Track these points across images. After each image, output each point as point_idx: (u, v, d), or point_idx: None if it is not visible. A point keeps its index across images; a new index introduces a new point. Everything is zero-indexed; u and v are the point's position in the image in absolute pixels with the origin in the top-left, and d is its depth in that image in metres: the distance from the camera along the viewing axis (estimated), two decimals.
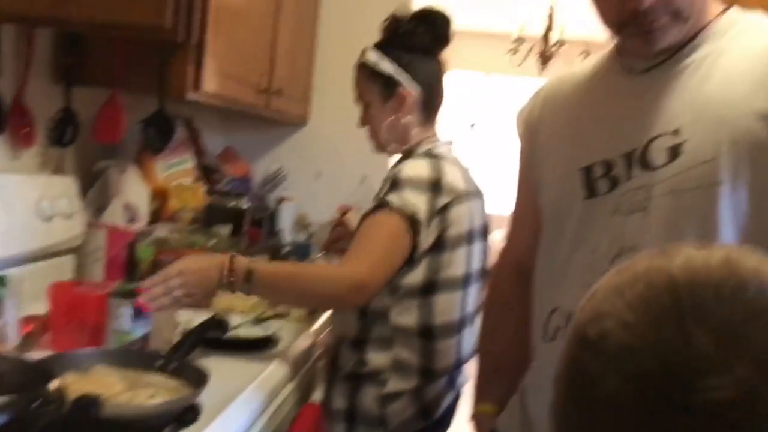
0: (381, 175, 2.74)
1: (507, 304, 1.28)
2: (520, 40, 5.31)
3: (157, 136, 1.86)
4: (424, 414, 1.52)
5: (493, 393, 1.30)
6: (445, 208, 1.47)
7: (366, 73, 1.59)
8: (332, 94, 2.76)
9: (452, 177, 1.51)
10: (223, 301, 1.79)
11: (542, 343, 1.11)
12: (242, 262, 1.37)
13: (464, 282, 1.53)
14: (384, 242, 1.41)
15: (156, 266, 1.80)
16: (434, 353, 1.50)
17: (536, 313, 1.14)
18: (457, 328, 1.54)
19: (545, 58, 5.28)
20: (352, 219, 2.23)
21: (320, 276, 1.45)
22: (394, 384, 1.49)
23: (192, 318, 1.60)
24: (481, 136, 6.85)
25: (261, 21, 2.13)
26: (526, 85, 6.55)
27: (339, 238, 1.92)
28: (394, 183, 1.46)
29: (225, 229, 2.01)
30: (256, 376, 1.38)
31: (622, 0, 0.95)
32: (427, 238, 1.45)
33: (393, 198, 1.43)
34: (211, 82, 1.76)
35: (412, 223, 1.42)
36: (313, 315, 1.89)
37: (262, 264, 1.44)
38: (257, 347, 1.58)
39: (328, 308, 1.49)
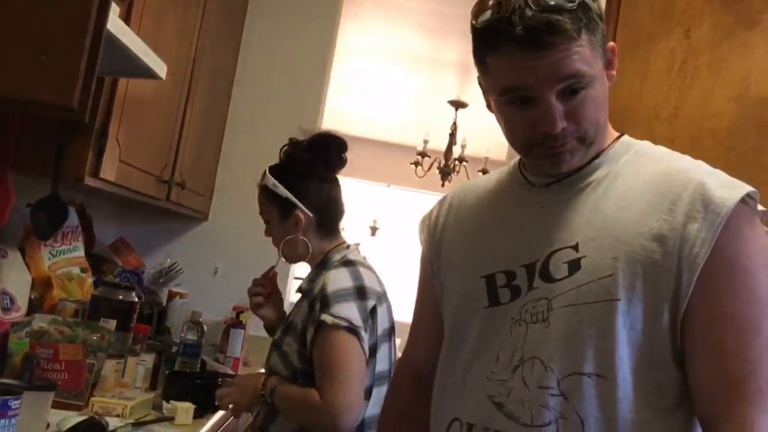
0: (282, 275, 2.72)
1: (405, 414, 1.25)
2: (423, 154, 5.50)
3: (47, 221, 1.77)
4: None
5: None
6: (374, 310, 1.58)
7: (265, 193, 1.71)
8: (235, 192, 2.73)
9: (370, 280, 1.62)
10: (102, 401, 1.67)
11: None
12: (271, 381, 1.58)
13: (388, 376, 1.62)
14: (345, 361, 1.51)
15: (29, 360, 1.66)
16: None
17: (435, 425, 1.11)
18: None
19: (446, 172, 5.48)
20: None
21: (315, 409, 1.51)
22: None
23: (65, 418, 1.48)
24: (382, 244, 6.92)
25: (168, 112, 2.11)
26: (427, 198, 6.75)
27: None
28: (324, 301, 1.54)
29: (110, 324, 1.89)
30: None
31: (533, 123, 0.99)
32: (368, 341, 1.55)
33: (327, 317, 1.52)
34: (110, 169, 1.71)
35: (354, 332, 1.52)
36: (200, 420, 1.78)
37: (283, 386, 1.57)
38: None
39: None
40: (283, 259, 1.74)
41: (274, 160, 2.75)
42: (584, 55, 0.96)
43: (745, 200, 0.95)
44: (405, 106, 5.57)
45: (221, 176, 2.74)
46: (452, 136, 5.28)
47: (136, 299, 2.04)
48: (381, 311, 1.61)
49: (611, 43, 1.05)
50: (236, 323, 2.53)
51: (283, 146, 1.73)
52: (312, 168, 1.68)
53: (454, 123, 5.23)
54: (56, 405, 1.54)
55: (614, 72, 1.05)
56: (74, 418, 1.47)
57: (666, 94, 2.13)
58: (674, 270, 0.94)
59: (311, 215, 1.67)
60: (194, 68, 2.23)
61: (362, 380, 1.53)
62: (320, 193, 1.69)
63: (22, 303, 1.82)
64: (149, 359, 1.99)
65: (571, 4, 0.94)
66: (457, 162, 5.47)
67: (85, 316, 1.94)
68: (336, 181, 1.74)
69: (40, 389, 1.43)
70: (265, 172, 1.71)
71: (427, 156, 5.52)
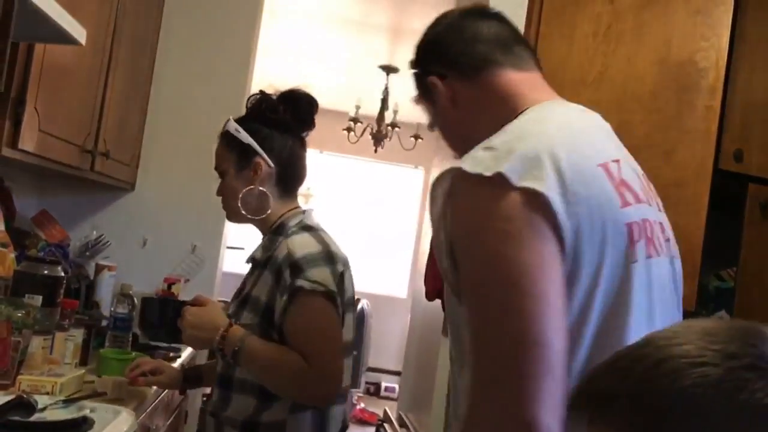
0: (211, 244, 2.68)
1: None
2: (355, 120, 5.48)
3: None
4: None
5: None
6: (342, 275, 1.53)
7: (225, 141, 1.63)
8: (162, 161, 2.67)
9: (335, 245, 1.57)
10: (30, 379, 1.63)
11: None
12: (235, 335, 1.45)
13: (351, 348, 1.58)
14: (328, 326, 1.47)
15: None
16: (327, 420, 1.53)
17: None
18: (345, 394, 1.57)
19: (379, 138, 5.47)
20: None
21: (294, 374, 1.44)
22: None
23: None
24: (316, 211, 6.88)
25: (89, 79, 2.03)
26: (360, 164, 6.74)
27: None
28: (294, 266, 1.47)
29: (36, 300, 1.83)
30: None
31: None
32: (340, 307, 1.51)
33: (304, 283, 1.45)
34: (29, 139, 1.64)
35: (331, 297, 1.47)
36: (133, 394, 1.76)
37: (252, 342, 1.45)
38: (68, 430, 1.43)
39: (300, 401, 1.49)
40: (237, 218, 1.64)
41: (201, 127, 2.70)
42: None
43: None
44: (336, 71, 5.52)
45: (147, 145, 2.67)
46: (384, 101, 5.27)
47: (62, 273, 1.98)
48: (347, 277, 1.56)
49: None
50: (168, 295, 2.49)
51: (250, 96, 1.65)
52: (279, 116, 1.60)
53: (386, 88, 5.22)
54: None
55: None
56: (1, 397, 1.42)
57: (591, 58, 2.18)
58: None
59: (272, 166, 1.59)
60: (115, 32, 2.15)
61: (343, 348, 1.50)
62: (284, 145, 1.61)
63: None
64: (78, 334, 1.94)
65: None
66: (389, 128, 5.47)
67: (7, 292, 1.87)
68: (302, 140, 1.66)
69: None
70: (228, 119, 1.63)
71: (360, 122, 5.50)
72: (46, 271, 1.92)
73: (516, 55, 1.09)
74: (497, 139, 0.95)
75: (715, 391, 0.55)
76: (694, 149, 1.93)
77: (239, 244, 3.14)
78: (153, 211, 2.65)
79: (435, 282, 2.04)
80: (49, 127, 1.73)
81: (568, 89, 2.38)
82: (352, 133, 5.55)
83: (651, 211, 1.01)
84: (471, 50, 1.08)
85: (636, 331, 0.90)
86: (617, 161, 0.99)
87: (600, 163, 0.96)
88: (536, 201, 0.87)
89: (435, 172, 3.46)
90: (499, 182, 0.88)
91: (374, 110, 5.36)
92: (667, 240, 1.05)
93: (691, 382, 0.56)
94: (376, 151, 5.67)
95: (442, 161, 3.24)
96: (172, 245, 2.64)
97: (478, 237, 0.89)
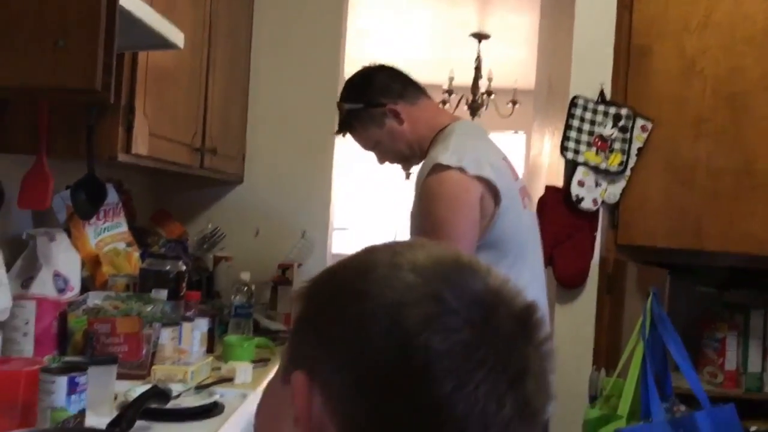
0: (319, 228, 2.75)
1: None
2: (450, 91, 5.42)
3: (87, 200, 1.80)
4: None
5: None
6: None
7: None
8: (266, 152, 2.74)
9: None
10: (163, 368, 1.73)
11: None
12: None
13: None
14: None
15: (89, 336, 1.72)
16: None
17: None
18: None
19: (475, 107, 5.40)
20: None
21: None
22: None
23: (131, 388, 1.53)
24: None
25: (191, 80, 2.11)
26: None
27: None
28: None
29: (162, 294, 1.94)
30: None
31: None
32: None
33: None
34: (142, 144, 1.72)
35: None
36: (259, 379, 1.83)
37: None
38: (201, 415, 1.51)
39: None
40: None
41: (299, 115, 2.75)
42: None
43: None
44: (426, 45, 5.47)
45: (250, 138, 2.75)
46: (477, 70, 5.19)
47: (184, 267, 2.09)
48: None
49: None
50: (282, 280, 2.57)
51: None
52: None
53: (478, 56, 5.13)
54: (121, 376, 1.60)
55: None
56: (139, 387, 1.52)
57: (694, 2, 2.05)
58: None
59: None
60: (211, 32, 2.22)
61: None
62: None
63: (75, 283, 1.87)
64: (203, 324, 2.04)
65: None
66: (485, 96, 5.39)
67: (136, 289, 1.99)
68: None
69: (102, 363, 1.48)
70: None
71: (454, 93, 5.45)
72: (168, 267, 2.03)
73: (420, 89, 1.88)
74: (450, 149, 1.68)
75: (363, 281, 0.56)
76: None
77: (343, 226, 3.19)
78: (262, 201, 2.74)
79: None
80: (158, 129, 1.82)
81: (669, 38, 2.27)
82: (447, 105, 5.50)
83: (521, 182, 1.87)
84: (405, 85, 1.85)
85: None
86: (504, 157, 1.82)
87: (502, 158, 1.80)
88: (485, 182, 1.66)
89: (536, 136, 3.39)
90: (460, 171, 1.65)
91: (468, 80, 5.29)
92: (530, 196, 1.90)
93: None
94: (473, 120, 5.60)
95: (542, 124, 3.16)
96: (283, 232, 2.72)
97: (438, 200, 1.66)
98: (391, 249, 0.58)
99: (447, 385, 0.50)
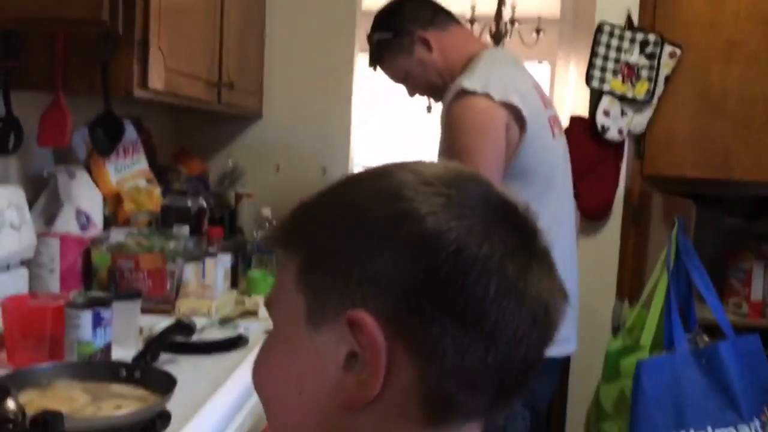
0: (340, 165, 2.72)
1: None
2: (472, 21, 5.29)
3: (106, 137, 1.80)
4: None
5: None
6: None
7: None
8: (285, 86, 2.71)
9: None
10: (188, 303, 1.75)
11: None
12: None
13: None
14: None
15: (113, 272, 1.74)
16: None
17: None
18: None
19: (498, 37, 5.27)
20: None
21: None
22: None
23: (156, 323, 1.55)
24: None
25: (206, 14, 2.06)
26: None
27: None
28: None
29: (183, 230, 1.95)
30: (227, 378, 1.34)
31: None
32: None
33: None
34: (158, 79, 1.70)
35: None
36: None
37: None
38: (226, 348, 1.53)
39: None
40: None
41: (317, 48, 2.70)
42: None
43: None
44: None
45: (268, 72, 2.71)
46: None
47: (205, 204, 2.09)
48: None
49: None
50: None
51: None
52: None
53: None
54: (146, 311, 1.62)
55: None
56: (164, 321, 1.54)
57: None
58: None
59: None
60: None
61: None
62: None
63: (98, 220, 1.89)
64: (226, 259, 2.05)
65: None
66: (508, 25, 5.24)
67: (158, 225, 2.00)
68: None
69: (126, 298, 1.50)
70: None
71: (477, 22, 5.31)
72: (190, 203, 2.04)
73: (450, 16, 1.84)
74: (476, 74, 1.66)
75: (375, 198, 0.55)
76: None
77: (365, 163, 3.16)
78: (282, 137, 2.71)
79: None
80: (174, 64, 1.79)
81: None
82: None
83: (553, 111, 1.82)
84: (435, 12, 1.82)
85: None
86: (536, 85, 1.77)
87: (532, 85, 1.75)
88: (511, 109, 1.63)
89: (561, 65, 3.31)
90: (486, 97, 1.61)
91: (491, 9, 5.15)
92: (560, 125, 1.85)
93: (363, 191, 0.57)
94: None
95: (567, 53, 3.08)
96: (303, 169, 2.70)
97: (462, 127, 1.64)
98: (405, 166, 0.57)
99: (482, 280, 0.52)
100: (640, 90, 2.37)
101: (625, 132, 2.41)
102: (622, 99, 2.38)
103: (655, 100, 2.39)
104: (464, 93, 1.62)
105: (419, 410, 0.53)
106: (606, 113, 2.39)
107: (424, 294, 0.51)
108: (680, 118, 2.41)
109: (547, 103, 1.79)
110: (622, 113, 2.40)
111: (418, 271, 0.51)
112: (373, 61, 1.87)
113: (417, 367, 0.52)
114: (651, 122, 2.42)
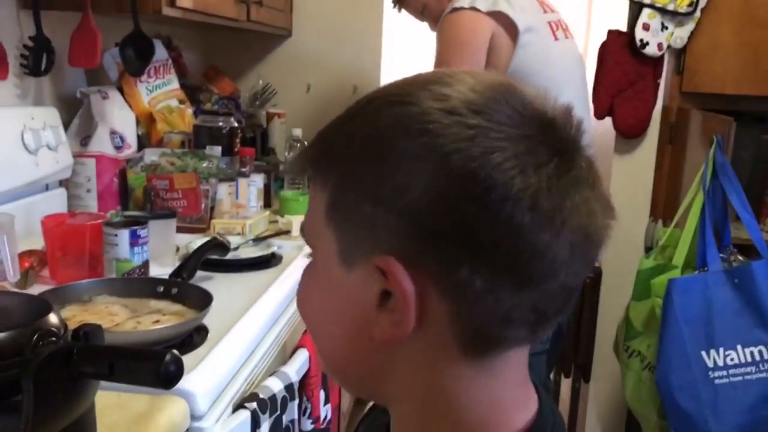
0: (371, 84, 2.69)
1: None
2: None
3: (136, 57, 1.79)
4: None
5: None
6: None
7: None
8: (314, 2, 2.65)
9: None
10: (222, 222, 1.78)
11: None
12: None
13: None
14: None
15: (148, 192, 1.77)
16: None
17: None
18: None
19: None
20: None
21: None
22: None
23: (192, 241, 1.59)
24: None
25: None
26: None
27: None
28: None
29: (216, 150, 1.96)
30: (261, 294, 1.37)
31: None
32: None
33: None
34: None
35: None
36: None
37: None
38: (260, 266, 1.57)
39: None
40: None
41: None
42: None
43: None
44: None
45: None
46: None
47: (236, 124, 2.09)
48: None
49: None
50: None
51: None
52: None
53: None
54: (182, 230, 1.66)
55: None
56: (199, 239, 1.57)
57: None
58: None
59: None
60: None
61: None
62: None
63: (131, 140, 1.91)
64: (259, 179, 2.07)
65: None
66: None
67: (190, 145, 2.01)
68: None
69: (162, 217, 1.53)
70: None
71: None
72: (221, 123, 2.04)
73: None
74: None
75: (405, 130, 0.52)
76: None
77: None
78: (312, 55, 2.68)
79: None
80: None
81: None
82: None
83: (557, 15, 1.86)
84: None
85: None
86: None
87: None
88: (499, 17, 1.70)
89: None
90: (472, 10, 1.70)
91: None
92: (566, 28, 1.88)
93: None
94: None
95: None
96: (334, 88, 2.67)
97: (444, 41, 1.74)
98: (430, 89, 0.54)
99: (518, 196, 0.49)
100: (683, 2, 2.28)
101: (664, 47, 2.33)
102: (663, 12, 2.29)
103: (698, 13, 2.30)
104: (453, 10, 1.71)
105: (458, 344, 0.53)
106: (645, 27, 2.31)
107: (452, 236, 0.50)
108: (724, 31, 2.32)
109: (546, 7, 1.84)
110: (663, 27, 2.31)
111: (445, 213, 0.50)
112: (396, 1, 1.98)
113: (449, 308, 0.51)
114: (692, 36, 2.33)
